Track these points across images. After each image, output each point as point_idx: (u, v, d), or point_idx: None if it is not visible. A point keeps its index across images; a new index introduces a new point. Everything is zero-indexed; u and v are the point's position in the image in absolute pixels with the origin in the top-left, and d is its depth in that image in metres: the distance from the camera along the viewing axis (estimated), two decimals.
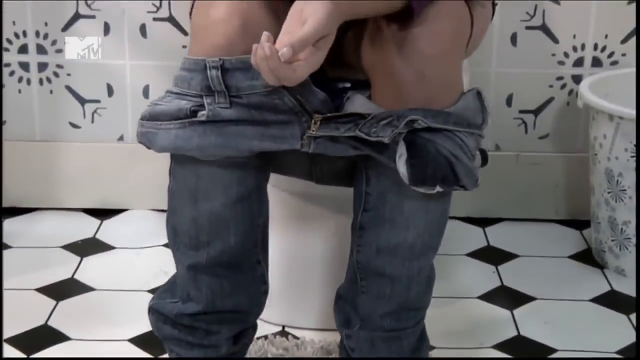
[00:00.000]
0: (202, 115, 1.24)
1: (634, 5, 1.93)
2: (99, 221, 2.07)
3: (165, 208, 1.35)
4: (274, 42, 1.14)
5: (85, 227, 2.04)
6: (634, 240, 1.82)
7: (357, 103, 1.28)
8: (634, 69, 1.93)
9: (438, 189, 1.24)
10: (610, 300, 1.79)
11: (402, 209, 1.30)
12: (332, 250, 1.61)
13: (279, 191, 1.53)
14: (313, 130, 1.25)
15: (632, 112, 1.74)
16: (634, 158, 1.76)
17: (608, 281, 1.85)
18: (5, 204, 2.06)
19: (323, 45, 1.16)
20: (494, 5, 1.51)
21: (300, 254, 1.63)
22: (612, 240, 1.86)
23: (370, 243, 1.32)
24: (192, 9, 1.39)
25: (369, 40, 1.30)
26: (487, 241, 2.01)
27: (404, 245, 1.31)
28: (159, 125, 1.26)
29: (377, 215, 1.31)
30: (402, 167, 1.22)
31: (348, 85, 1.40)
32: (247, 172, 1.31)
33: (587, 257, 1.94)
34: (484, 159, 1.32)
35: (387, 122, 1.22)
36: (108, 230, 2.03)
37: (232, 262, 1.34)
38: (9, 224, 2.03)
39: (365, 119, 1.24)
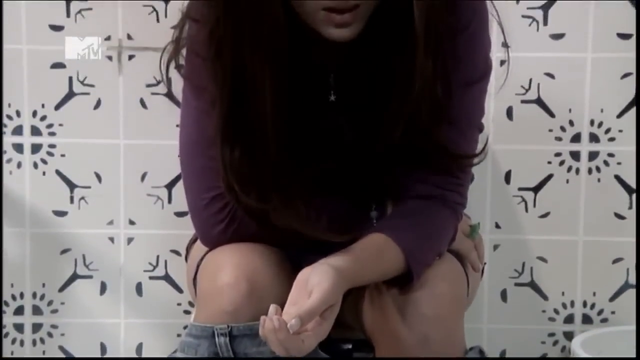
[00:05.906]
0: None
1: (618, 264, 1.97)
2: None
3: None
4: (281, 313, 1.16)
5: None
6: None
7: None
8: (624, 327, 1.95)
9: None
10: None
11: None
12: None
13: None
14: None
15: None
16: None
17: None
18: None
19: (329, 315, 1.19)
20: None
21: None
22: None
23: None
24: (195, 274, 1.42)
25: (369, 304, 1.32)
26: None
27: None
28: None
29: None
30: None
31: (350, 346, 1.41)
32: None
33: None
34: None
35: None
36: None
37: None
38: None
39: None
